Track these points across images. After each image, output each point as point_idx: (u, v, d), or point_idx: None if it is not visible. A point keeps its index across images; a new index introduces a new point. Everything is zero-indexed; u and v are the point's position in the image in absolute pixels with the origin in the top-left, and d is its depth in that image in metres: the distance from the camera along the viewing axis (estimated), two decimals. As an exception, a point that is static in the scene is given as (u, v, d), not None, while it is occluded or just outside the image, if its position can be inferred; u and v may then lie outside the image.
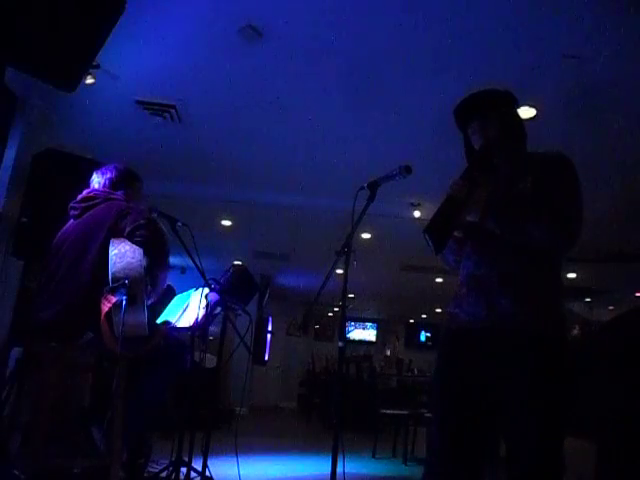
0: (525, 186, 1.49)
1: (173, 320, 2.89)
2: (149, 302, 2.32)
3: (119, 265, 2.00)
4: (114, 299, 1.94)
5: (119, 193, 2.38)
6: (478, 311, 1.48)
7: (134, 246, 2.08)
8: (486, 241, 1.52)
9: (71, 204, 2.35)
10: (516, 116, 1.64)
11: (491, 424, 1.47)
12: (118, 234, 2.14)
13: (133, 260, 2.02)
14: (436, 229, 1.44)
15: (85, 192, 2.36)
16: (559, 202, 1.44)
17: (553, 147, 1.56)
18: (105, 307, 1.96)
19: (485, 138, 1.57)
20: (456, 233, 1.56)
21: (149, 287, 2.29)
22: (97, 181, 2.44)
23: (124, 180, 2.45)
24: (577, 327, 7.28)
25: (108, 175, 2.43)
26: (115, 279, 1.97)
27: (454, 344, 1.55)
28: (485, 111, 1.59)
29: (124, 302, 1.92)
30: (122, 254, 2.03)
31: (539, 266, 1.47)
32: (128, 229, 2.13)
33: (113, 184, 2.41)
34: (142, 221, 2.14)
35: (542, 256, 1.48)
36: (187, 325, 2.82)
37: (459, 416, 1.45)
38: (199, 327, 2.76)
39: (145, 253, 2.10)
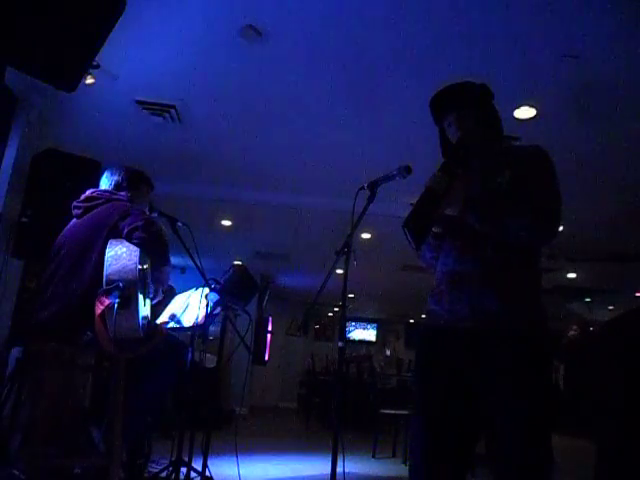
0: (503, 180, 1.48)
1: (177, 314, 2.90)
2: (154, 302, 2.33)
3: (114, 267, 2.00)
4: (107, 301, 1.94)
5: (122, 193, 2.38)
6: (460, 309, 1.45)
7: (131, 248, 2.08)
8: (467, 236, 1.49)
9: (74, 203, 2.35)
10: (493, 109, 1.62)
11: (475, 423, 1.45)
12: (118, 235, 2.14)
13: (129, 262, 2.02)
14: (416, 223, 1.40)
15: (88, 192, 2.36)
16: (538, 196, 1.43)
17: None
18: (98, 309, 1.96)
19: (462, 131, 1.55)
20: (434, 229, 1.54)
21: (152, 286, 2.29)
22: (105, 181, 2.45)
23: (131, 182, 2.45)
24: (577, 327, 7.27)
25: (116, 177, 2.44)
26: (109, 281, 1.97)
27: (435, 342, 1.52)
28: (462, 103, 1.57)
29: (116, 305, 1.93)
30: (118, 256, 2.03)
31: (521, 263, 1.46)
32: (126, 230, 2.14)
33: (118, 186, 2.42)
34: (139, 223, 2.14)
35: (523, 252, 1.46)
36: (189, 324, 2.83)
37: (442, 416, 1.43)
38: (199, 327, 2.76)
39: (144, 254, 2.10)
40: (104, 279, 1.98)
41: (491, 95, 1.62)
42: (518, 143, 1.65)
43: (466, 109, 1.57)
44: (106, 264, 2.00)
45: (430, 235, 1.56)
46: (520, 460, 1.34)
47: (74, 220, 2.35)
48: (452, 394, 1.43)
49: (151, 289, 2.34)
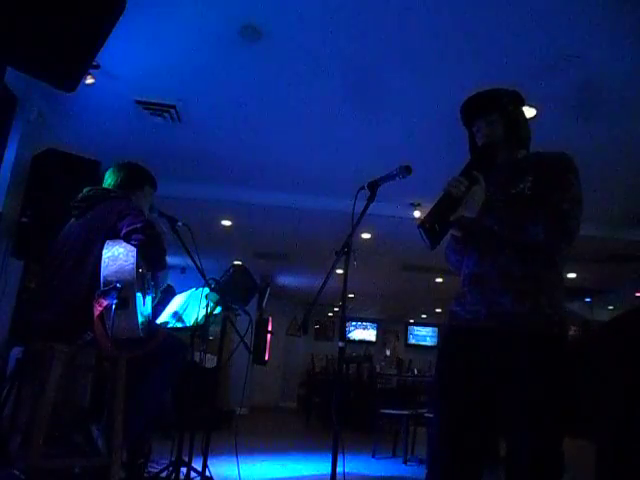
0: (525, 186, 1.50)
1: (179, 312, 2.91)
2: (154, 303, 2.32)
3: (111, 268, 1.99)
4: (105, 302, 1.94)
5: (121, 191, 2.37)
6: (479, 310, 1.48)
7: (128, 248, 2.06)
8: (486, 239, 1.52)
9: (72, 203, 2.34)
10: (521, 116, 1.65)
11: (492, 423, 1.47)
12: (116, 235, 2.13)
13: (126, 263, 2.01)
14: (431, 224, 1.44)
15: (85, 191, 2.36)
16: (558, 201, 1.44)
17: (553, 147, 1.57)
18: (97, 311, 1.95)
19: (489, 136, 1.58)
20: (455, 232, 1.57)
21: (150, 287, 2.28)
22: (110, 177, 2.43)
23: (134, 181, 2.44)
24: (577, 327, 7.28)
25: (122, 174, 2.43)
26: (107, 282, 1.96)
27: (455, 343, 1.55)
28: (490, 110, 1.60)
29: (113, 306, 1.92)
30: (115, 257, 2.02)
31: (541, 265, 1.47)
32: (124, 231, 2.12)
33: (123, 183, 2.41)
34: (138, 225, 2.13)
35: (543, 254, 1.48)
36: (189, 324, 2.83)
37: (460, 415, 1.45)
38: (199, 327, 2.76)
39: (141, 256, 2.10)
40: (101, 280, 1.97)
41: (521, 101, 1.65)
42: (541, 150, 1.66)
43: (494, 115, 1.59)
44: (103, 265, 2.00)
45: (452, 239, 1.61)
46: (531, 459, 1.34)
47: (72, 220, 2.34)
48: (469, 394, 1.45)
49: (151, 290, 2.33)
